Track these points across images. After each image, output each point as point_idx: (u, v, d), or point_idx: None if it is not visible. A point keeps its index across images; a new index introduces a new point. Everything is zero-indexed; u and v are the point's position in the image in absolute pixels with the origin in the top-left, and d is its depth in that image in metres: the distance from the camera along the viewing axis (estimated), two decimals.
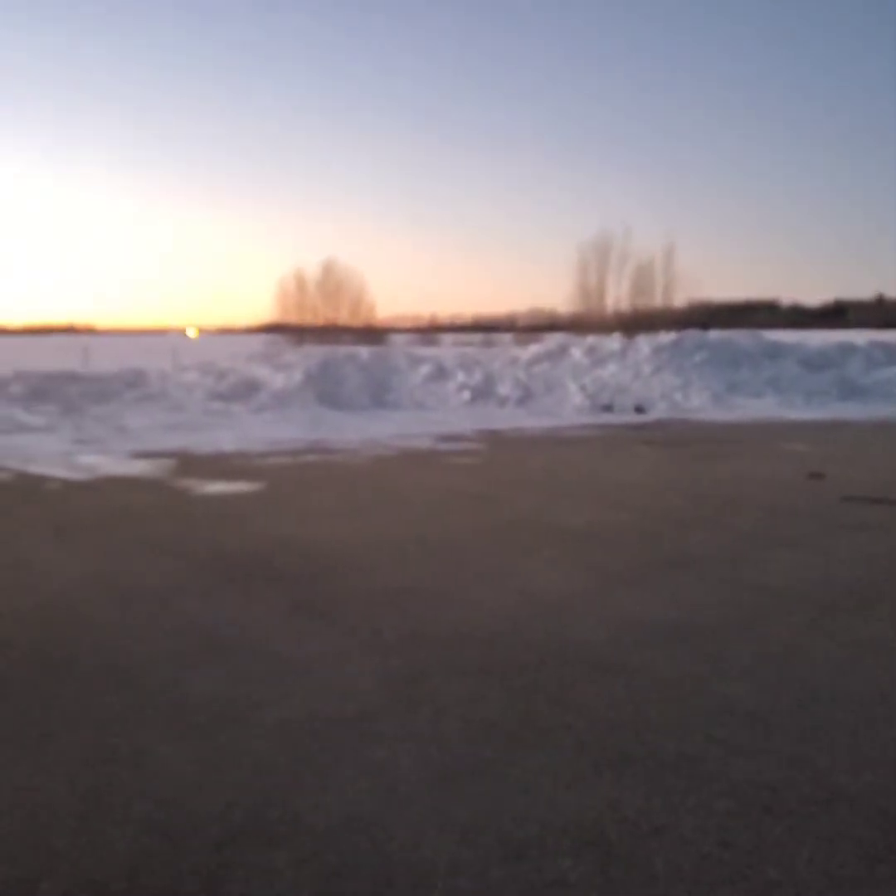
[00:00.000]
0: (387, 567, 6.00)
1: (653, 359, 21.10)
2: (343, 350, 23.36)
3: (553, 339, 24.64)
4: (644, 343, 21.99)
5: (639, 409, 18.37)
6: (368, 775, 3.15)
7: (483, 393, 19.33)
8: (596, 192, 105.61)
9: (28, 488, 9.18)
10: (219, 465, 10.76)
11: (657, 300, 46.81)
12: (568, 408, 18.60)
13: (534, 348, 23.09)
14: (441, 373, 20.30)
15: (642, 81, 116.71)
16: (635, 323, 38.07)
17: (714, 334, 23.81)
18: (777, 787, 3.07)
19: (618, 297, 47.37)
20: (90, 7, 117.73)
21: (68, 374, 18.10)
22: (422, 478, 9.95)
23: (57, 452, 11.70)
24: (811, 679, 4.06)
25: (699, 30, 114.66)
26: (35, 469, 10.32)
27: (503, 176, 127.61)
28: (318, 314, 56.63)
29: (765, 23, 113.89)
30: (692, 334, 22.91)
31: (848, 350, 23.51)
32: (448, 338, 62.87)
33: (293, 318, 57.27)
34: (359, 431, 14.36)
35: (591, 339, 23.12)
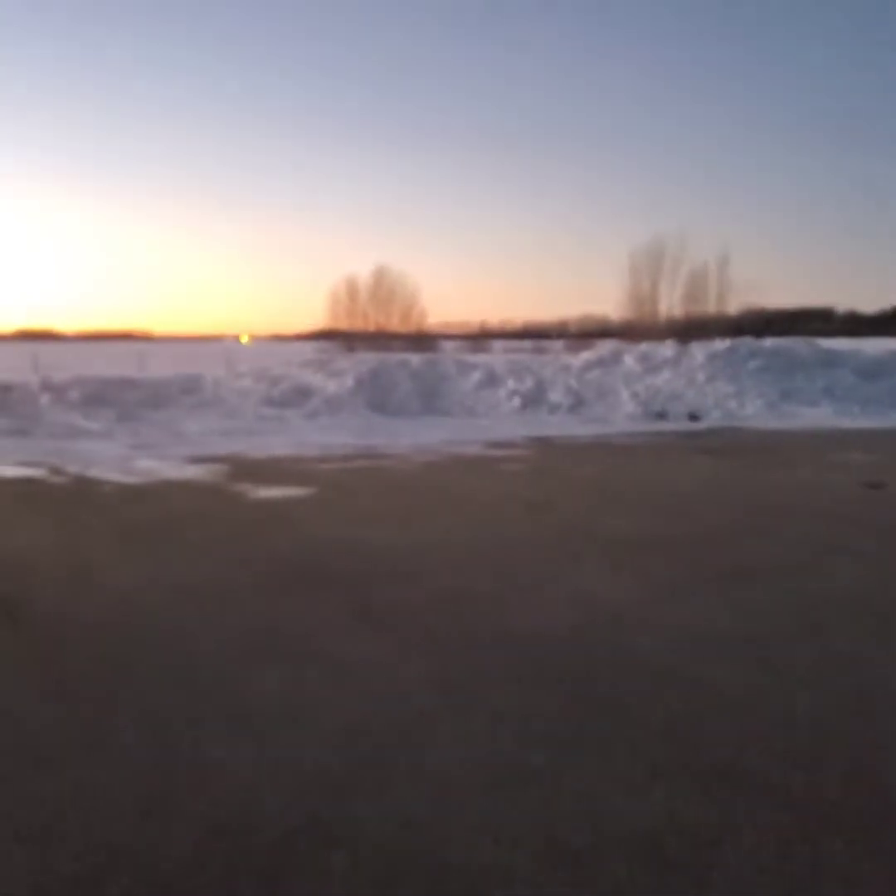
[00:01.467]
0: (440, 572, 6.02)
1: (707, 366, 20.89)
2: (394, 357, 23.45)
3: (605, 346, 24.50)
4: (698, 350, 21.78)
5: (692, 417, 18.20)
6: (424, 780, 3.17)
7: (534, 400, 19.28)
8: (649, 199, 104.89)
9: (87, 492, 9.35)
10: (272, 470, 10.87)
11: (710, 307, 46.39)
12: (620, 415, 18.49)
13: (585, 355, 22.98)
14: (491, 379, 20.30)
15: (697, 88, 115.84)
16: (688, 330, 37.72)
17: (769, 342, 23.50)
18: (837, 801, 3.03)
19: (670, 304, 47.05)
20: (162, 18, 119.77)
21: (125, 379, 18.39)
22: (473, 484, 9.96)
23: (114, 457, 11.90)
24: (872, 690, 3.99)
25: (752, 35, 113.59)
26: (94, 473, 10.51)
27: (555, 181, 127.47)
28: (369, 321, 56.96)
29: (817, 28, 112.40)
30: (746, 342, 22.65)
31: None
32: (498, 344, 62.86)
33: (344, 324, 57.67)
34: (410, 437, 14.41)
35: (643, 346, 22.95)
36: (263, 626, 4.91)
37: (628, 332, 42.23)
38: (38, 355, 22.12)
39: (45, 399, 16.43)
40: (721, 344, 22.30)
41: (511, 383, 19.93)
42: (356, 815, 2.93)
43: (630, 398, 19.45)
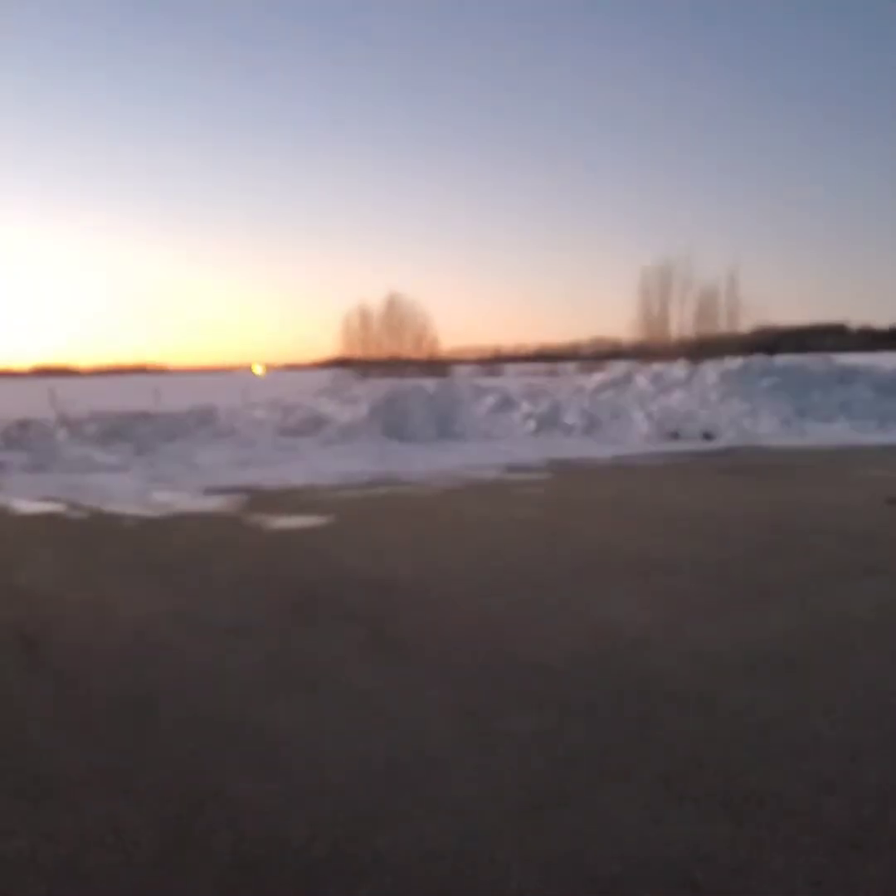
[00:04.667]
0: (460, 599, 5.99)
1: (720, 385, 20.86)
2: (408, 383, 23.51)
3: (618, 367, 24.53)
4: (710, 369, 21.75)
5: (707, 436, 18.14)
6: (449, 809, 3.14)
7: (549, 422, 19.28)
8: (658, 219, 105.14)
9: (105, 526, 9.38)
10: (289, 500, 10.88)
11: (722, 326, 46.41)
12: (635, 436, 18.45)
13: (599, 377, 23.01)
14: (506, 403, 20.32)
15: (705, 107, 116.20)
16: (700, 349, 37.72)
17: (782, 359, 23.46)
18: (868, 824, 2.98)
19: (682, 324, 47.08)
20: (152, 44, 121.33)
21: (141, 413, 18.49)
22: (491, 509, 9.94)
23: (132, 490, 11.95)
24: None
25: (760, 55, 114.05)
26: (111, 507, 10.55)
27: (564, 204, 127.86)
28: (383, 348, 57.20)
29: (822, 46, 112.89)
30: (759, 360, 22.60)
31: None
32: (512, 368, 63.00)
33: (358, 352, 57.93)
34: (426, 463, 14.41)
35: (656, 367, 22.95)
36: (284, 657, 4.90)
37: (640, 352, 42.31)
38: (55, 391, 22.26)
39: (62, 434, 16.53)
40: (734, 362, 22.26)
41: (526, 406, 19.95)
42: (381, 847, 2.91)
43: (644, 419, 19.42)
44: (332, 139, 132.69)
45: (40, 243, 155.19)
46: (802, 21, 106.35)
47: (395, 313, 57.53)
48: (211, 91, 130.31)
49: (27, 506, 10.79)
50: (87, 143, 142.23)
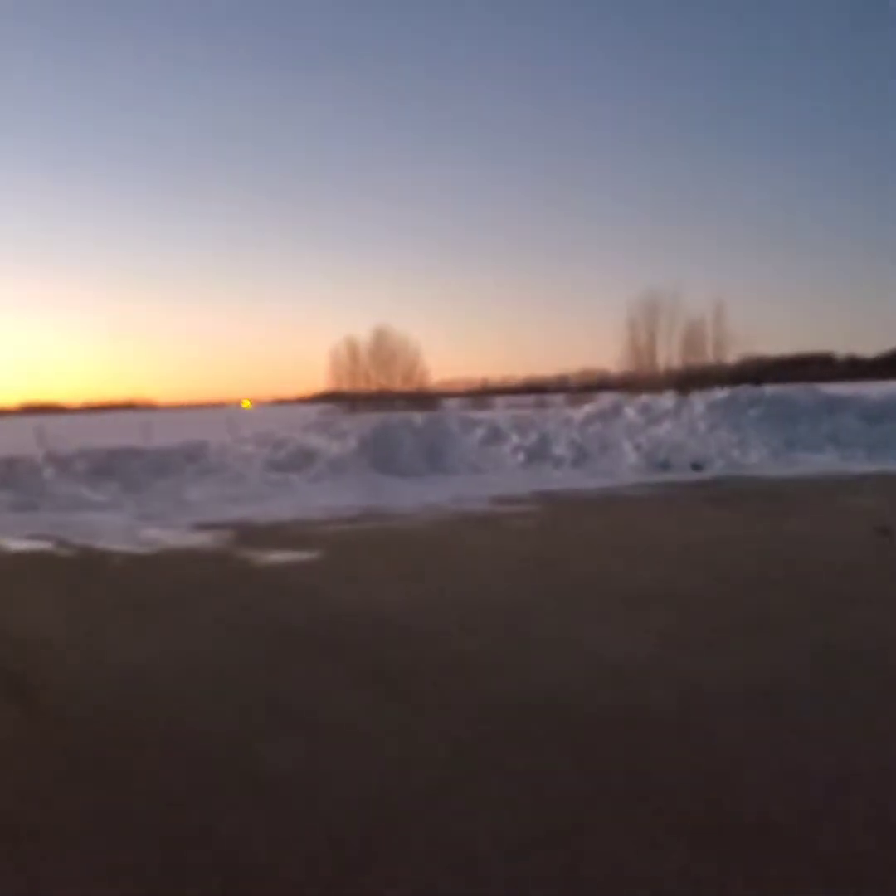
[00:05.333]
0: (451, 634, 5.98)
1: (708, 416, 20.95)
2: (397, 416, 23.53)
3: (606, 399, 24.60)
4: (698, 400, 21.85)
5: (696, 467, 18.20)
6: (442, 847, 3.11)
7: (538, 454, 19.31)
8: (644, 251, 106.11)
9: (95, 565, 9.33)
10: (279, 535, 10.85)
11: (709, 357, 46.75)
12: (624, 467, 18.49)
13: (587, 408, 23.05)
14: (495, 435, 20.35)
15: (689, 139, 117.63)
16: (687, 380, 37.97)
17: (769, 389, 23.60)
18: (863, 854, 2.97)
19: (669, 356, 47.42)
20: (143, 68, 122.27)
21: (130, 449, 18.43)
22: (481, 542, 9.93)
23: (121, 528, 11.90)
24: (893, 743, 3.94)
25: (744, 87, 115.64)
26: (101, 545, 10.50)
27: (551, 237, 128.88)
28: (371, 381, 57.42)
29: (810, 80, 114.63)
30: (747, 390, 22.73)
31: None
32: (500, 401, 63.20)
33: (346, 386, 58.16)
34: (415, 497, 14.40)
35: (644, 398, 23.04)
36: (275, 695, 4.87)
37: (628, 384, 42.55)
38: (43, 428, 22.21)
39: (49, 472, 16.46)
40: (721, 393, 22.38)
41: (514, 439, 19.98)
42: (374, 888, 2.88)
43: (633, 450, 19.48)
44: (318, 171, 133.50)
45: (27, 279, 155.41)
46: (788, 52, 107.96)
47: (384, 346, 57.86)
48: (198, 124, 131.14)
49: (15, 544, 10.73)
50: (76, 177, 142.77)
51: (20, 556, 10.02)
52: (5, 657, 5.82)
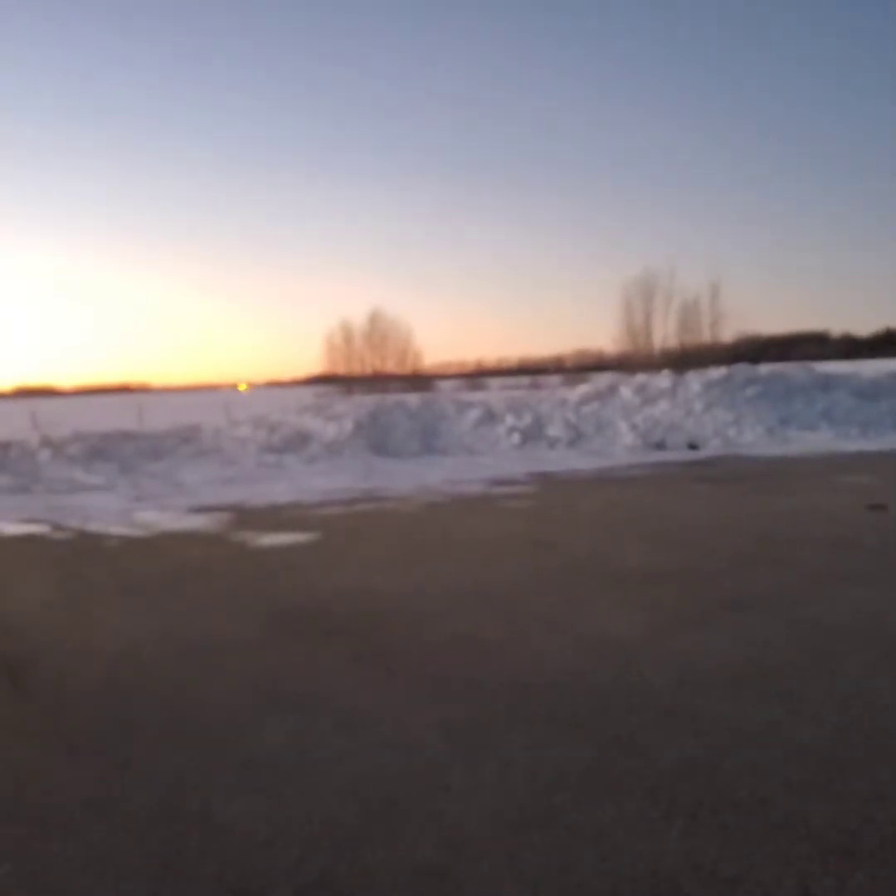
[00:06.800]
0: (446, 615, 5.99)
1: (704, 395, 20.94)
2: (391, 398, 23.52)
3: (602, 379, 24.55)
4: (694, 379, 21.83)
5: (692, 446, 18.22)
6: (438, 827, 3.13)
7: (533, 435, 19.31)
8: (640, 231, 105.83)
9: (89, 547, 9.32)
10: (274, 518, 10.85)
11: (704, 336, 46.75)
12: (619, 447, 18.51)
13: (582, 389, 23.01)
14: (490, 417, 20.34)
15: (683, 119, 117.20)
16: (683, 360, 37.98)
17: (765, 368, 23.58)
18: (857, 831, 2.99)
19: (664, 335, 47.41)
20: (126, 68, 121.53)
21: (124, 432, 18.43)
22: (476, 523, 9.94)
23: (116, 510, 11.89)
24: (886, 718, 3.96)
25: (738, 62, 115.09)
26: (95, 528, 10.50)
27: (545, 218, 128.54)
28: (366, 364, 57.33)
29: (802, 53, 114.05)
30: (742, 369, 22.71)
31: None
32: (495, 382, 63.15)
33: (341, 368, 58.07)
34: (410, 478, 14.41)
35: (640, 378, 23.00)
36: (270, 677, 4.87)
37: (624, 364, 42.53)
38: (37, 412, 22.18)
39: (44, 455, 16.44)
40: (717, 372, 22.35)
41: (509, 420, 19.97)
42: (370, 868, 2.89)
43: (628, 430, 19.48)
44: (313, 157, 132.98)
45: (21, 263, 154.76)
46: (786, 30, 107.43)
47: (378, 329, 57.74)
48: (194, 112, 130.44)
49: (10, 528, 10.72)
50: (70, 165, 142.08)
51: (15, 540, 10.01)
52: (1, 640, 5.82)
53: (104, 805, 3.43)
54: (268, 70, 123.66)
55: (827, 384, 22.29)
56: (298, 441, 18.32)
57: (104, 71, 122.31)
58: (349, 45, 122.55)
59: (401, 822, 3.18)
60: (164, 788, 3.55)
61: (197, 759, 3.82)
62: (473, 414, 20.45)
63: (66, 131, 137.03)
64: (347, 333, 58.12)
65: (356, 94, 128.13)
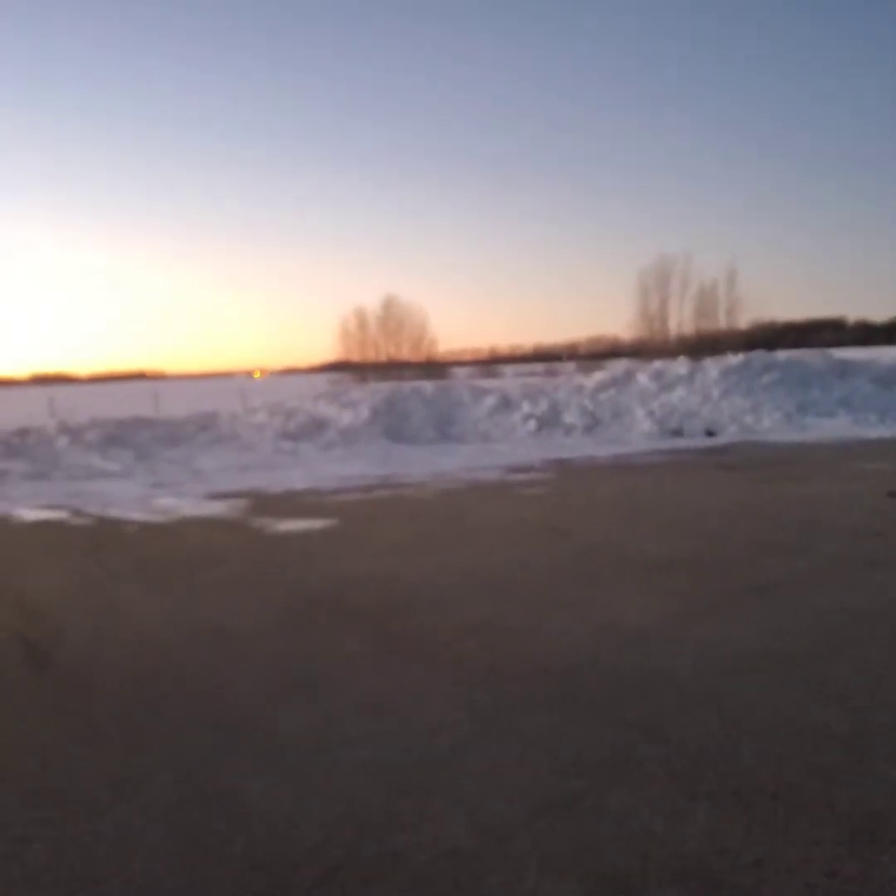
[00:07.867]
0: (465, 600, 5.99)
1: (721, 381, 20.85)
2: (407, 385, 23.49)
3: (618, 366, 24.45)
4: (712, 366, 21.73)
5: (709, 433, 18.16)
6: (462, 810, 3.14)
7: (549, 422, 19.28)
8: (656, 217, 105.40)
9: (109, 533, 9.37)
10: (291, 504, 10.88)
11: (721, 323, 46.54)
12: (636, 434, 18.46)
13: (599, 375, 22.92)
14: (505, 404, 20.31)
15: (699, 106, 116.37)
16: (699, 346, 37.83)
17: (782, 354, 23.46)
18: (882, 813, 2.98)
19: (680, 321, 47.20)
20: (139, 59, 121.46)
21: (141, 419, 18.49)
22: (492, 510, 9.94)
23: (134, 496, 11.94)
24: None
25: (754, 53, 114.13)
26: (114, 513, 10.55)
27: (561, 204, 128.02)
28: (380, 351, 57.33)
29: (824, 42, 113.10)
30: (760, 355, 22.59)
31: None
32: (509, 369, 63.01)
33: (356, 355, 58.09)
34: (426, 465, 14.41)
35: (656, 364, 22.90)
36: (291, 661, 4.89)
37: (640, 350, 42.36)
38: (54, 399, 22.27)
39: (62, 442, 16.52)
40: (735, 359, 22.24)
41: (525, 407, 19.94)
42: (396, 849, 2.90)
43: (645, 416, 19.42)
44: (328, 144, 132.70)
45: (38, 251, 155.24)
46: (801, 19, 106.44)
47: (393, 316, 57.71)
48: (208, 99, 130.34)
49: (30, 514, 10.79)
50: (87, 153, 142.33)
51: (36, 525, 10.07)
52: (23, 625, 5.86)
53: (127, 786, 3.45)
54: (283, 57, 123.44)
55: (844, 371, 22.16)
56: (314, 428, 18.35)
57: (122, 59, 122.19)
58: (363, 30, 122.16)
59: (424, 805, 3.19)
60: (187, 769, 3.57)
61: (220, 741, 3.84)
62: (489, 401, 20.42)
63: (82, 119, 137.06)
64: (362, 320, 58.13)
65: (370, 82, 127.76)
